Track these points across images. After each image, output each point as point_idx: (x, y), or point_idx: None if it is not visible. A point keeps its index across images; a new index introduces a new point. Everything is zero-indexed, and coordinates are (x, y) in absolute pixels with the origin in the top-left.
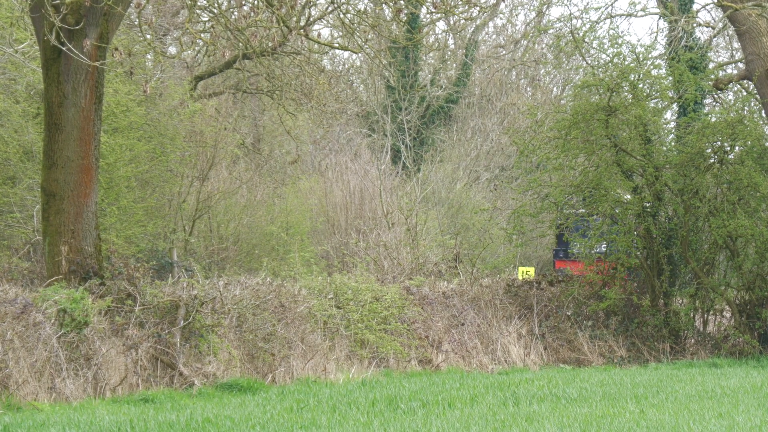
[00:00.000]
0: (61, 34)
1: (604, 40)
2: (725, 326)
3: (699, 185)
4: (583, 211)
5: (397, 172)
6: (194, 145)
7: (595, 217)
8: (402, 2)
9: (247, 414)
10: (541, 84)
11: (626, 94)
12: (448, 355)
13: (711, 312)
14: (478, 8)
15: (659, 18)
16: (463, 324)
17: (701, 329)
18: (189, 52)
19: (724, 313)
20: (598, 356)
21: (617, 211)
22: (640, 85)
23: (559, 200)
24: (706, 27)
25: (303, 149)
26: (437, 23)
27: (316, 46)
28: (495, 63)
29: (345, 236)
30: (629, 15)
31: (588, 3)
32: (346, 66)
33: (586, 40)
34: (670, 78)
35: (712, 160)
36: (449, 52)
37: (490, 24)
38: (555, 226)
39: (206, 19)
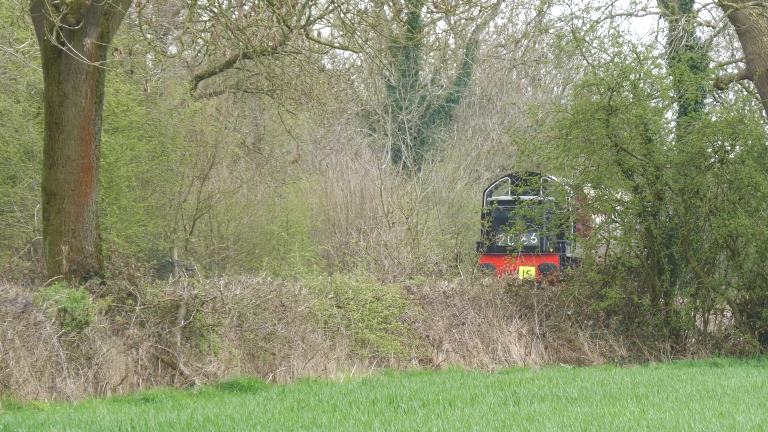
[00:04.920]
0: (62, 34)
1: (605, 40)
2: (726, 326)
3: (700, 185)
4: (510, 197)
5: (398, 172)
6: (195, 144)
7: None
8: (402, 1)
9: (248, 413)
10: (541, 83)
11: (627, 93)
12: (448, 354)
13: (712, 311)
14: (478, 8)
15: (660, 17)
16: (463, 323)
17: (702, 329)
18: (189, 51)
19: (725, 313)
20: (599, 356)
21: (618, 210)
22: (641, 85)
23: (560, 200)
24: (707, 26)
25: (303, 149)
26: (438, 23)
27: (316, 45)
28: (496, 62)
29: (345, 236)
30: (630, 14)
31: (589, 2)
32: (347, 65)
33: (587, 39)
34: (671, 77)
35: (712, 160)
36: (450, 52)
37: (491, 23)
38: (481, 216)
39: (207, 18)
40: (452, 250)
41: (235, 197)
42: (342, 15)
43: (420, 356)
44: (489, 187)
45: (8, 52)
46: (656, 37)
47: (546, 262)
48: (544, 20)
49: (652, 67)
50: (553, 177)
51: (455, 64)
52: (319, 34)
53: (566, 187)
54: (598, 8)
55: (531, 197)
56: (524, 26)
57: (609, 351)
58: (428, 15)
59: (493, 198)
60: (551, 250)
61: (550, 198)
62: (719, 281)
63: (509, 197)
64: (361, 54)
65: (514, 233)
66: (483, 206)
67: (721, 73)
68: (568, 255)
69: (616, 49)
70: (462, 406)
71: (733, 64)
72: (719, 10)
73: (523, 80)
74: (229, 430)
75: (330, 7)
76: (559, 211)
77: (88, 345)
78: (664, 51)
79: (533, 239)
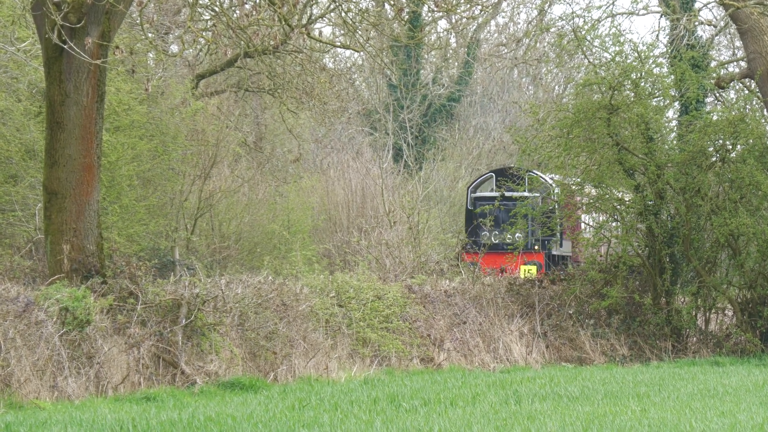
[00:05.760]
0: (63, 32)
1: (606, 39)
2: (727, 325)
3: (701, 183)
4: (496, 194)
5: (399, 171)
6: (196, 143)
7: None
8: (404, 1)
9: (249, 412)
10: (543, 82)
11: (628, 92)
12: (449, 353)
13: (713, 310)
14: (479, 7)
15: (661, 16)
16: (464, 322)
17: (703, 328)
18: (191, 50)
19: (726, 312)
20: (600, 355)
21: (619, 209)
22: (642, 84)
23: (561, 199)
24: (708, 25)
25: (305, 148)
26: (439, 22)
27: (317, 44)
28: (497, 61)
29: (347, 234)
30: (631, 13)
31: (590, 1)
32: (348, 64)
33: (588, 38)
34: (672, 76)
35: (714, 159)
36: (451, 51)
37: (492, 22)
38: (465, 213)
39: (208, 17)
40: (453, 249)
41: (237, 196)
42: (343, 14)
43: (421, 355)
44: (473, 183)
45: (9, 50)
46: (657, 36)
47: (531, 260)
48: (546, 19)
49: (654, 66)
50: (539, 173)
51: (456, 63)
52: (320, 33)
53: (553, 184)
54: (600, 7)
55: (518, 194)
56: (525, 25)
57: (610, 350)
58: (429, 14)
59: (479, 194)
60: (536, 248)
61: (539, 195)
62: (720, 280)
63: (494, 193)
64: (362, 53)
65: (514, 232)
66: (467, 203)
67: (723, 72)
68: (554, 253)
69: (617, 48)
70: (463, 405)
71: (735, 63)
72: (720, 9)
73: (524, 79)
74: (230, 429)
75: (331, 6)
76: (547, 208)
77: (89, 344)
78: (665, 50)
79: (518, 237)
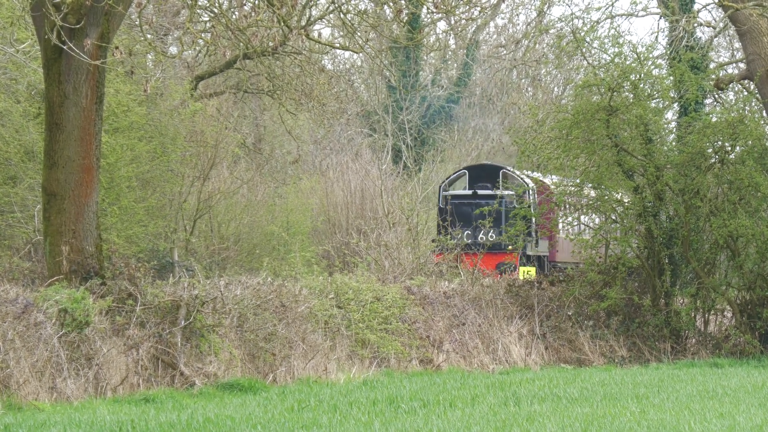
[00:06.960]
0: (62, 33)
1: (605, 40)
2: (726, 326)
3: (700, 185)
4: (469, 192)
5: (398, 172)
6: (195, 144)
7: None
8: (403, 2)
9: (248, 414)
10: (542, 84)
11: (627, 93)
12: (449, 355)
13: (712, 312)
14: (478, 8)
15: (660, 18)
16: (464, 324)
17: (702, 329)
18: (190, 51)
19: (725, 313)
20: (599, 356)
21: (618, 210)
22: (641, 85)
23: (560, 200)
24: (707, 27)
25: (304, 149)
26: (438, 23)
27: (316, 46)
28: (496, 63)
29: (346, 236)
30: (630, 15)
31: (589, 3)
32: (347, 66)
33: (587, 39)
34: (671, 78)
35: (713, 160)
36: (450, 52)
37: (491, 24)
38: (438, 212)
39: (207, 18)
40: (452, 251)
41: (236, 197)
42: (342, 15)
43: (420, 357)
44: (446, 180)
45: (9, 52)
46: (656, 37)
47: (505, 261)
48: (545, 20)
49: (653, 67)
50: (514, 170)
51: (455, 65)
52: (319, 34)
53: (528, 180)
54: (599, 9)
55: (492, 192)
56: (524, 26)
57: (609, 351)
58: (428, 15)
59: (451, 192)
60: (510, 248)
61: (510, 192)
62: (719, 282)
63: (467, 191)
64: (361, 54)
65: (514, 233)
66: (439, 202)
67: (722, 73)
68: (529, 253)
69: (616, 50)
70: (462, 406)
71: (734, 65)
72: (720, 10)
73: (523, 80)
74: (229, 431)
75: (330, 8)
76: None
77: (88, 345)
78: (664, 51)
79: (491, 236)
